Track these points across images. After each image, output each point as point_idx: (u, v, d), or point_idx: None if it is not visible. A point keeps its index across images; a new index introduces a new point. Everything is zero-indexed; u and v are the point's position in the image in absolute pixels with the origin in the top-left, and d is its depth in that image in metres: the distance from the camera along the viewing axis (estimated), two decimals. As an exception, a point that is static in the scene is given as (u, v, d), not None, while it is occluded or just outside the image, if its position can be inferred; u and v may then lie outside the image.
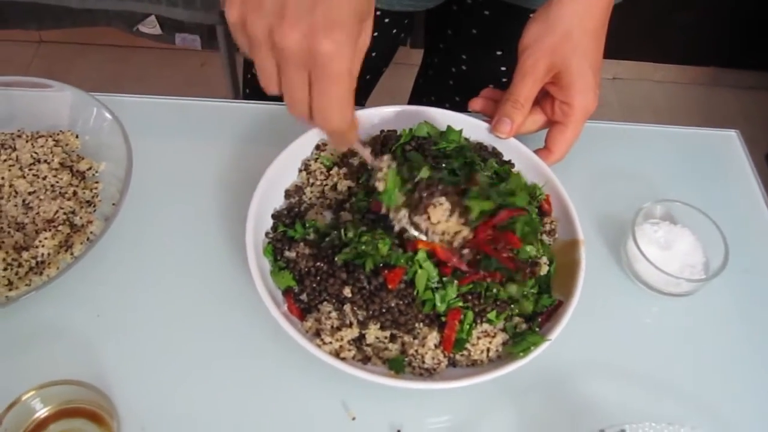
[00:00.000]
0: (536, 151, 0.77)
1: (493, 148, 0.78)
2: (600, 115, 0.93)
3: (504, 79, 1.01)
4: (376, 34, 0.96)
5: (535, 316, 0.67)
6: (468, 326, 0.65)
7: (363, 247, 0.65)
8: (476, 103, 0.79)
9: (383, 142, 0.77)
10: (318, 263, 0.66)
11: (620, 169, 0.86)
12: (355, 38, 0.50)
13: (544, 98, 0.77)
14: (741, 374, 0.71)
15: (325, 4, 0.48)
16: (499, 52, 0.99)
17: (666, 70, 2.51)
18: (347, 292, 0.64)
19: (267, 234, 0.71)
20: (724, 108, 2.47)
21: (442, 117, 0.79)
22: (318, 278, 0.66)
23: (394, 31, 1.00)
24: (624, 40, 2.37)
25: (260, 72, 0.52)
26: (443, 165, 0.72)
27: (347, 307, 0.64)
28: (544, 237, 0.73)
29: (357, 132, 0.58)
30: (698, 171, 0.88)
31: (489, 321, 0.66)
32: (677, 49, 2.44)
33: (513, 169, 0.77)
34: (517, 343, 0.65)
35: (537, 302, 0.68)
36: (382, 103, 0.81)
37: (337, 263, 0.66)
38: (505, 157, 0.78)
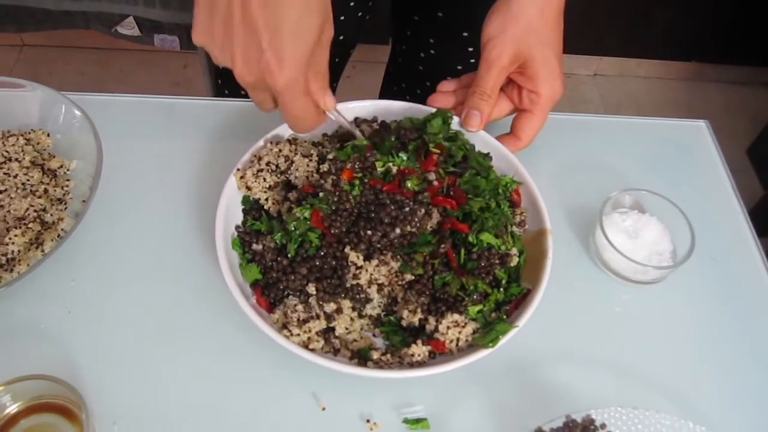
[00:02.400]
0: (501, 137, 0.78)
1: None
2: (582, 111, 0.95)
3: (472, 60, 1.03)
4: (342, 17, 0.98)
5: (504, 305, 0.68)
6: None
7: (291, 225, 0.66)
8: (435, 100, 0.80)
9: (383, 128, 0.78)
10: (280, 257, 0.67)
11: (590, 160, 0.87)
12: (303, 62, 0.57)
13: (508, 86, 0.78)
14: (706, 360, 0.72)
15: (271, 46, 0.55)
16: (465, 34, 1.00)
17: (648, 65, 2.53)
18: (311, 289, 0.65)
19: (237, 227, 0.71)
20: (706, 103, 2.49)
21: (415, 111, 0.80)
22: (281, 273, 0.66)
23: (360, 13, 1.02)
24: (605, 36, 2.40)
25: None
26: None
27: (313, 300, 0.65)
28: (514, 228, 0.73)
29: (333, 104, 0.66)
30: (668, 161, 0.90)
31: (466, 314, 0.66)
32: (659, 45, 2.46)
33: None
34: (486, 334, 0.65)
35: (506, 291, 0.69)
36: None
37: (297, 259, 0.66)
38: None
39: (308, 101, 0.62)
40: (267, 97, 0.62)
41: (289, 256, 0.67)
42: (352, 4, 0.99)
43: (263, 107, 0.64)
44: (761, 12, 2.30)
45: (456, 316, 0.66)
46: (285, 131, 0.77)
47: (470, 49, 1.02)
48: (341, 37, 1.01)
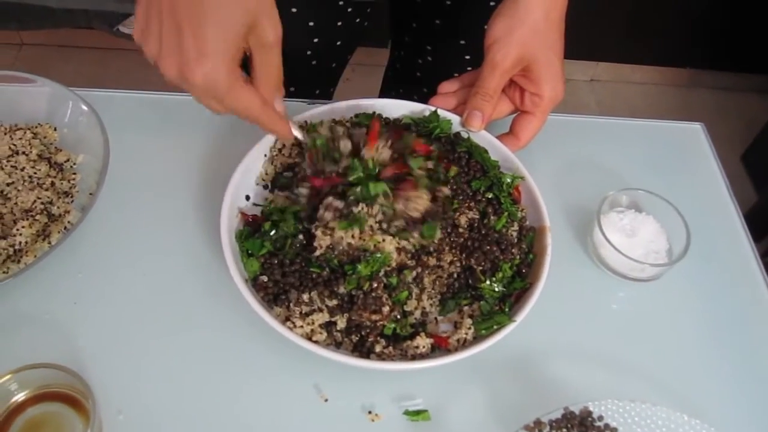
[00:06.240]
0: (501, 136, 0.79)
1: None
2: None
3: (469, 68, 1.04)
4: (339, 23, 0.98)
5: (507, 298, 0.69)
6: None
7: (273, 232, 0.69)
8: (437, 101, 0.81)
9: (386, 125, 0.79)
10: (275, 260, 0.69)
11: (589, 161, 0.89)
12: (227, 57, 0.56)
13: (509, 87, 0.79)
14: (700, 356, 0.73)
15: (192, 37, 0.54)
16: (462, 42, 1.01)
17: (643, 71, 2.55)
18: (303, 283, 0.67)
19: (241, 210, 0.73)
20: (701, 109, 2.51)
21: (414, 110, 0.81)
22: (276, 271, 0.68)
23: (357, 20, 1.03)
24: (601, 42, 2.41)
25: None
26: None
27: (315, 295, 0.66)
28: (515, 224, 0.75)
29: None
30: (665, 162, 0.91)
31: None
32: (654, 51, 2.48)
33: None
34: (485, 320, 0.67)
35: (510, 285, 0.70)
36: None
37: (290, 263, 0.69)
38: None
39: (242, 98, 0.60)
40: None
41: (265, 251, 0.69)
42: (349, 10, 1.00)
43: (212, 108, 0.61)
44: (755, 19, 2.33)
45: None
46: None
47: (467, 57, 1.03)
48: (339, 43, 1.02)
